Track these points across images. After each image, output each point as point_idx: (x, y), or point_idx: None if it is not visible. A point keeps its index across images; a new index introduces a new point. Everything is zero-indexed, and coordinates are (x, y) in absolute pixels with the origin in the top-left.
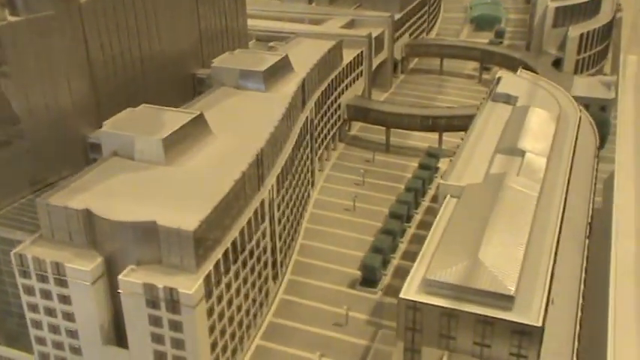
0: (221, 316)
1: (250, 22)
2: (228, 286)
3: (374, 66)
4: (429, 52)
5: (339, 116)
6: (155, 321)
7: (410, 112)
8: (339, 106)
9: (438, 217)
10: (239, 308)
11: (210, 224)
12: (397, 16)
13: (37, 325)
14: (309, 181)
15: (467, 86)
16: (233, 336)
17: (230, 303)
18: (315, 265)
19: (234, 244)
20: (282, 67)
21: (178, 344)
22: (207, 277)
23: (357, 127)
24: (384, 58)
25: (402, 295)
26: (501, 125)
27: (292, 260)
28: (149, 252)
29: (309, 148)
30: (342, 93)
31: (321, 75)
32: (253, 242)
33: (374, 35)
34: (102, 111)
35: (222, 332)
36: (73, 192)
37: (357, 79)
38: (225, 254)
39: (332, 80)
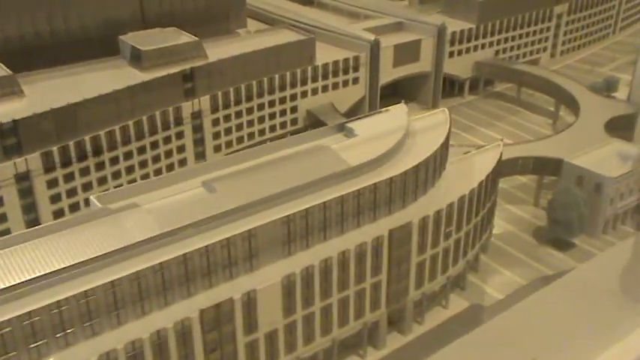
0: None
1: (287, 7)
2: None
3: (397, 76)
4: (498, 76)
5: (295, 120)
6: None
7: None
8: (295, 109)
9: None
10: None
11: None
12: (469, 27)
13: None
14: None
15: (532, 126)
16: None
17: None
18: None
19: None
20: (182, 52)
21: None
22: None
23: None
24: (423, 72)
25: None
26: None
27: None
28: None
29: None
30: (305, 96)
31: (254, 69)
32: None
33: (398, 42)
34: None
35: None
36: None
37: (345, 85)
38: None
39: (279, 77)
